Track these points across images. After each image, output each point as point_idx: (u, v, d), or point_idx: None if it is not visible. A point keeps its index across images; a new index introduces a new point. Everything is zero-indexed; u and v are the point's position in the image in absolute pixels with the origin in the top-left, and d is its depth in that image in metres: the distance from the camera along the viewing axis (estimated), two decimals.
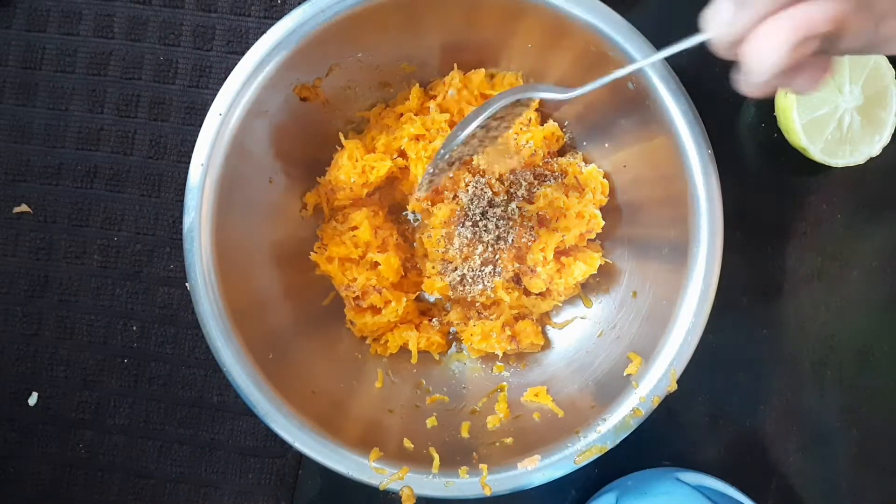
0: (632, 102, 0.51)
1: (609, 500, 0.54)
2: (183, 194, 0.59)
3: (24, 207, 0.60)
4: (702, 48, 0.60)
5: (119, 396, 0.59)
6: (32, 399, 0.60)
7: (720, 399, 0.59)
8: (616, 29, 0.48)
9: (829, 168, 0.57)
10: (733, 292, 0.58)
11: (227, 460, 0.59)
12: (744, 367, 0.59)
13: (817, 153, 0.54)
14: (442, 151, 0.48)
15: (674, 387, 0.48)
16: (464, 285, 0.55)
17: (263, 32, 0.48)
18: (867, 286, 0.59)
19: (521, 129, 0.55)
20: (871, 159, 0.54)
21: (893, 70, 0.54)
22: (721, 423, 0.59)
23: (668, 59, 0.44)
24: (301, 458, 0.59)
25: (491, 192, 0.54)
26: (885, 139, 0.54)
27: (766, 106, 0.59)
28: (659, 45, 0.48)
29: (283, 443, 0.58)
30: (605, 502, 0.55)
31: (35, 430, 0.59)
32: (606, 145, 0.55)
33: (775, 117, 0.58)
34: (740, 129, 0.60)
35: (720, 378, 0.59)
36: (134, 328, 0.60)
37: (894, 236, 0.59)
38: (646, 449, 0.59)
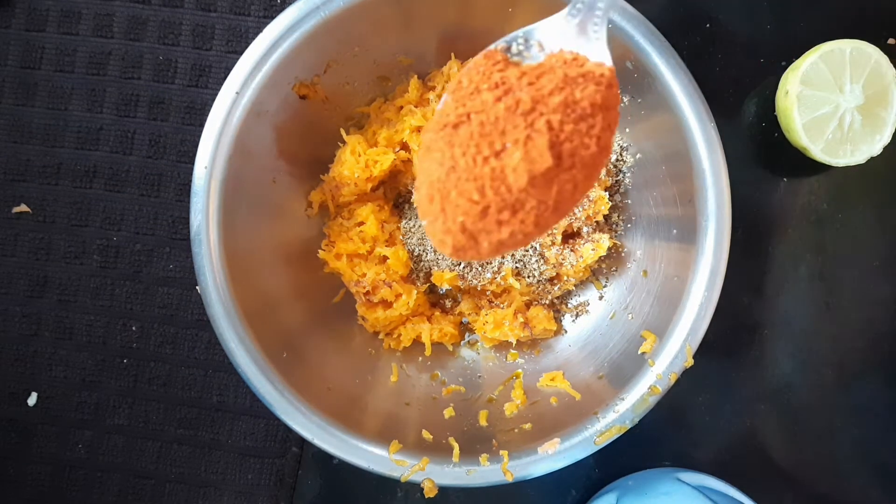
0: (632, 81, 0.51)
1: (610, 501, 0.54)
2: (183, 194, 0.60)
3: (23, 207, 0.60)
4: (703, 47, 0.60)
5: (119, 397, 0.59)
6: (32, 399, 0.59)
7: (720, 399, 0.59)
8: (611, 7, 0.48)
9: (829, 168, 0.57)
10: (734, 292, 0.58)
11: (227, 460, 0.59)
12: (744, 367, 0.59)
13: (818, 153, 0.54)
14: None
15: (690, 362, 0.48)
16: (473, 274, 0.55)
17: None
18: (867, 286, 0.59)
19: None
20: (872, 159, 0.54)
21: (894, 69, 0.54)
22: (721, 423, 0.59)
23: None
24: (301, 458, 0.59)
25: None
26: (886, 139, 0.54)
27: (767, 106, 0.59)
28: (661, 28, 0.49)
29: (283, 443, 0.59)
30: (605, 502, 0.54)
31: (35, 430, 0.59)
32: None
33: (776, 117, 0.58)
34: (741, 129, 0.60)
35: (721, 378, 0.59)
36: (133, 328, 0.60)
37: (894, 236, 0.59)
38: (646, 449, 0.59)
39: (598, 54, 0.38)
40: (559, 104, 0.34)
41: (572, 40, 0.38)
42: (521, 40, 0.38)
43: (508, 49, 0.39)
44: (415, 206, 0.56)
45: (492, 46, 0.39)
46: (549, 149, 0.33)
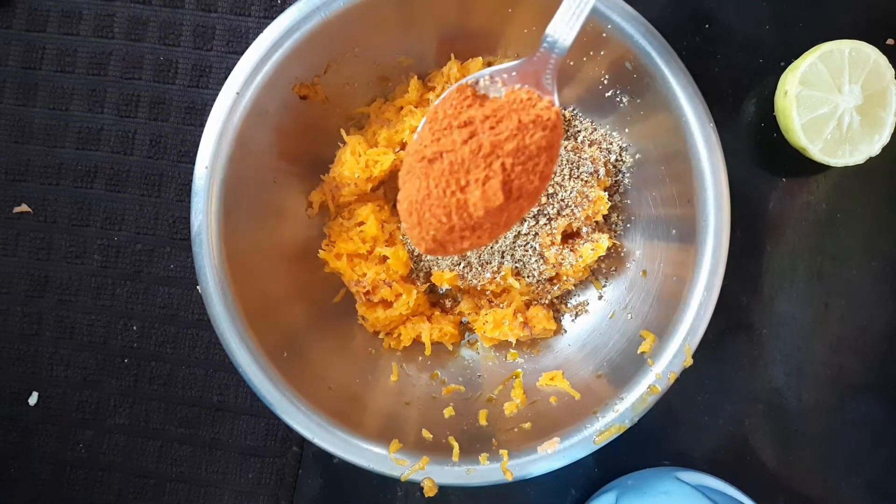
0: (631, 81, 0.51)
1: (609, 500, 0.54)
2: (184, 194, 0.60)
3: (24, 207, 0.60)
4: (703, 47, 0.60)
5: (119, 396, 0.60)
6: (32, 399, 0.60)
7: (720, 399, 0.59)
8: (611, 7, 0.49)
9: (828, 168, 0.57)
10: (733, 292, 0.58)
11: (227, 460, 0.59)
12: (743, 367, 0.59)
13: (817, 153, 0.54)
14: None
15: (689, 361, 0.48)
16: (473, 274, 0.55)
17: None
18: (866, 286, 0.59)
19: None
20: (871, 159, 0.54)
21: (893, 69, 0.54)
22: (721, 422, 0.59)
23: None
24: (301, 458, 0.59)
25: None
26: (885, 139, 0.54)
27: (766, 106, 0.59)
28: (660, 28, 0.49)
29: (283, 442, 0.59)
30: (604, 501, 0.55)
31: (35, 430, 0.60)
32: (608, 126, 0.56)
33: (775, 117, 0.58)
34: (740, 129, 0.60)
35: (720, 378, 0.59)
36: (134, 328, 0.60)
37: (894, 236, 0.59)
38: (646, 448, 0.59)
39: (550, 95, 0.46)
40: (512, 149, 0.43)
41: (528, 83, 0.46)
42: (486, 78, 0.46)
43: (477, 83, 0.46)
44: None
45: (463, 81, 0.46)
46: (502, 188, 0.43)
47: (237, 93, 0.49)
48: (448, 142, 0.44)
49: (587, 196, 0.54)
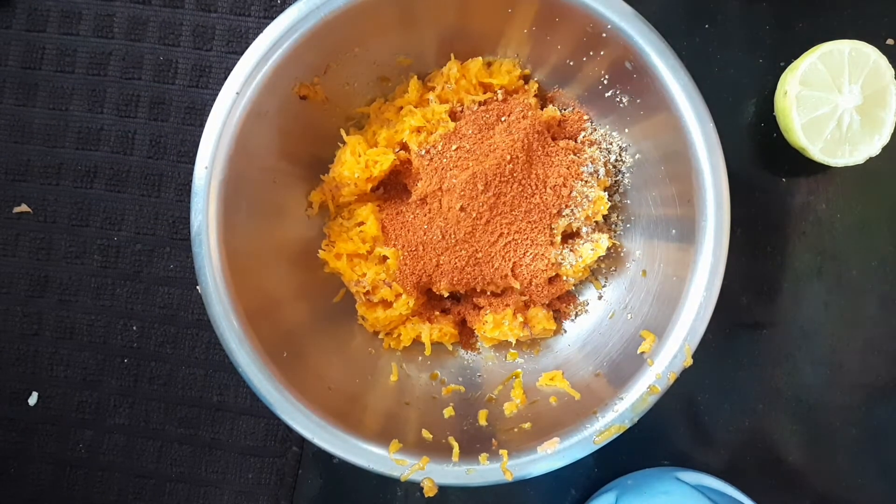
0: (631, 81, 0.51)
1: (609, 500, 0.54)
2: (183, 194, 0.60)
3: (24, 207, 0.60)
4: (703, 47, 0.60)
5: (119, 396, 0.60)
6: (32, 399, 0.60)
7: (720, 399, 0.59)
8: (611, 7, 0.48)
9: (828, 168, 0.57)
10: (733, 292, 0.58)
11: (227, 460, 0.59)
12: (744, 367, 0.59)
13: (817, 153, 0.54)
14: None
15: (689, 361, 0.48)
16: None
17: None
18: (867, 286, 0.59)
19: (521, 114, 0.55)
20: (871, 159, 0.54)
21: (893, 70, 0.54)
22: (721, 423, 0.59)
23: None
24: (301, 458, 0.59)
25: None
26: (885, 139, 0.54)
27: (766, 106, 0.59)
28: (660, 28, 0.49)
29: (283, 442, 0.59)
30: (604, 502, 0.55)
31: (35, 430, 0.60)
32: (608, 126, 0.56)
33: (775, 117, 0.58)
34: (740, 129, 0.60)
35: (720, 378, 0.59)
36: (134, 328, 0.60)
37: (894, 236, 0.60)
38: (646, 448, 0.59)
39: None
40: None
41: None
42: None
43: None
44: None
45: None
46: None
47: (237, 93, 0.49)
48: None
49: (587, 196, 0.54)
